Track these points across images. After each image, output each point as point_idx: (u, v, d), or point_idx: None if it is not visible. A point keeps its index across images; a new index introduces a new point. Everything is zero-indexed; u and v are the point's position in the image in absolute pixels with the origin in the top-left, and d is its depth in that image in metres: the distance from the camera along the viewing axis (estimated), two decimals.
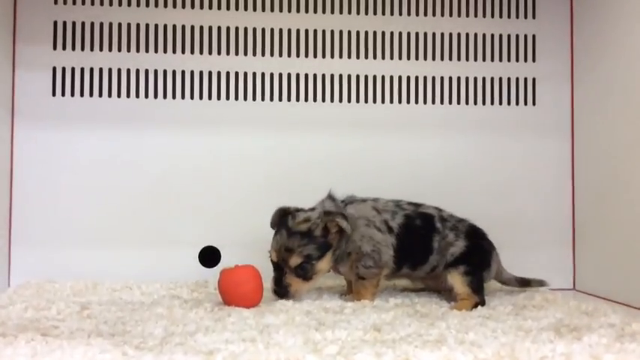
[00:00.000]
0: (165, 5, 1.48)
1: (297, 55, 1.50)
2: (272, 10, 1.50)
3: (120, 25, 1.47)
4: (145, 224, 1.46)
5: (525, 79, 1.54)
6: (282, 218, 1.22)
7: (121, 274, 1.39)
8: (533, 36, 1.55)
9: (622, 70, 1.32)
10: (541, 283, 1.36)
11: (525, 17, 1.55)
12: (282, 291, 1.17)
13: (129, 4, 1.47)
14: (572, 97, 1.53)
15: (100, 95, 1.46)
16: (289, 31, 1.50)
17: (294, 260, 1.16)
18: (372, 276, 1.21)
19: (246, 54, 1.49)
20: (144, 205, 1.46)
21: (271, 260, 1.20)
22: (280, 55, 1.50)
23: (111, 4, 1.47)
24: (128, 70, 1.47)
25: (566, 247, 1.52)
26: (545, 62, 1.54)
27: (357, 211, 1.24)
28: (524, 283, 1.36)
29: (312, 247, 1.17)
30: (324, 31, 1.51)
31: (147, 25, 1.47)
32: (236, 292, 1.11)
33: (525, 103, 1.54)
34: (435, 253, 1.25)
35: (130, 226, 1.45)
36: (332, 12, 1.51)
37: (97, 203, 1.45)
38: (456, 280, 1.22)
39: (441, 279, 1.26)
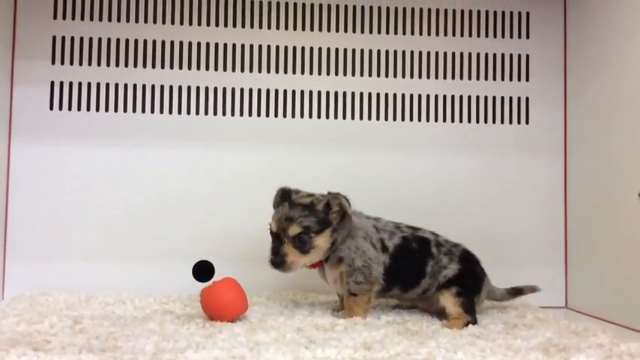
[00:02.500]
0: (164, 22, 1.50)
1: (294, 72, 1.52)
2: (260, 26, 1.52)
3: (118, 40, 1.48)
4: (139, 238, 1.46)
5: (519, 99, 1.56)
6: (285, 195, 1.24)
7: (115, 288, 1.40)
8: (527, 56, 1.56)
9: (614, 91, 1.33)
10: (533, 289, 1.36)
11: (519, 37, 1.57)
12: (278, 260, 1.17)
13: (127, 20, 1.49)
14: (565, 117, 1.55)
15: (98, 110, 1.47)
16: (286, 48, 1.52)
17: (293, 229, 1.17)
18: (363, 292, 1.21)
19: (242, 70, 1.51)
20: (139, 219, 1.47)
21: (270, 231, 1.21)
22: (277, 71, 1.52)
23: (110, 19, 1.49)
24: (125, 85, 1.48)
25: (558, 266, 1.53)
26: (538, 82, 1.56)
27: (359, 223, 1.26)
28: (517, 293, 1.36)
29: (312, 220, 1.18)
30: (320, 49, 1.52)
31: (145, 41, 1.49)
32: (216, 305, 1.12)
33: (519, 122, 1.56)
34: (427, 277, 1.25)
35: (124, 240, 1.46)
36: (328, 30, 1.53)
37: (92, 217, 1.46)
38: (448, 300, 1.22)
39: (432, 301, 1.26)
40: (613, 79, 1.34)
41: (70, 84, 1.47)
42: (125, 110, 1.48)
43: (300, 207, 1.19)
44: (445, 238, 1.32)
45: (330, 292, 1.37)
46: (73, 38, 1.48)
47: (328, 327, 1.09)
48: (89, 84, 1.47)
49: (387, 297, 1.32)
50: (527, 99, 1.56)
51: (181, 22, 1.50)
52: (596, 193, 1.41)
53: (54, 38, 1.47)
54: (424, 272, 1.25)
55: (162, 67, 1.49)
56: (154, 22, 1.49)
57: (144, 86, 1.48)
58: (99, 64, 1.48)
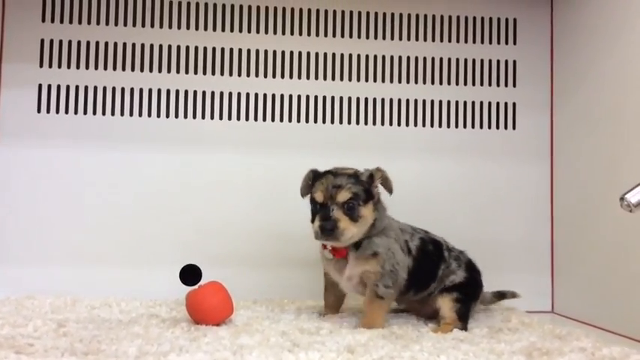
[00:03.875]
0: (152, 25, 1.50)
1: (282, 77, 1.52)
2: (240, 30, 1.52)
3: (107, 43, 1.48)
4: (126, 241, 1.46)
5: (505, 104, 1.57)
6: (316, 177, 1.19)
7: (102, 291, 1.39)
8: (514, 61, 1.58)
9: (601, 96, 1.34)
10: (513, 295, 1.39)
11: (506, 43, 1.58)
12: (329, 225, 1.11)
13: (116, 24, 1.49)
14: (551, 122, 1.56)
15: (85, 113, 1.47)
16: (274, 52, 1.52)
17: (343, 195, 1.13)
18: (389, 296, 1.17)
19: (231, 74, 1.51)
20: (126, 222, 1.47)
21: (315, 202, 1.16)
22: (265, 75, 1.52)
23: (98, 23, 1.49)
24: (114, 89, 1.48)
25: (544, 270, 1.54)
26: (525, 87, 1.57)
27: (390, 222, 1.22)
28: (501, 297, 1.39)
29: (359, 188, 1.14)
30: (300, 53, 1.53)
31: (133, 45, 1.49)
32: (202, 308, 1.12)
33: (505, 128, 1.57)
34: (436, 281, 1.24)
35: (111, 243, 1.46)
36: (309, 34, 1.54)
37: (80, 220, 1.46)
38: (446, 304, 1.21)
39: (428, 303, 1.25)
40: (599, 85, 1.35)
41: (58, 87, 1.47)
42: (113, 114, 1.48)
43: (346, 176, 1.15)
44: (451, 244, 1.32)
45: (318, 296, 1.37)
46: (61, 41, 1.48)
47: (313, 331, 1.09)
48: (77, 87, 1.47)
49: (397, 301, 1.30)
50: (514, 104, 1.57)
51: (170, 26, 1.50)
52: (582, 199, 1.42)
53: (42, 41, 1.47)
54: (436, 276, 1.24)
55: (151, 70, 1.49)
56: (143, 25, 1.50)
57: (132, 90, 1.48)
58: (87, 67, 1.48)
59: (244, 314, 1.23)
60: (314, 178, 1.20)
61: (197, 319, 1.13)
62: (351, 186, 1.14)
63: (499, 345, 1.03)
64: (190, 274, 1.46)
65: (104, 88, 1.48)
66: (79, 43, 1.48)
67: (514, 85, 1.57)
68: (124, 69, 1.48)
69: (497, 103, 1.57)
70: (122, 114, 1.48)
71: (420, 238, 1.26)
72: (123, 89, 1.48)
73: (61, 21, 1.48)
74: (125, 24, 1.49)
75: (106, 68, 1.48)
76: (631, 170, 1.22)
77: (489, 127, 1.56)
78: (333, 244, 1.16)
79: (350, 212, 1.13)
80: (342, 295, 1.28)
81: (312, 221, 1.17)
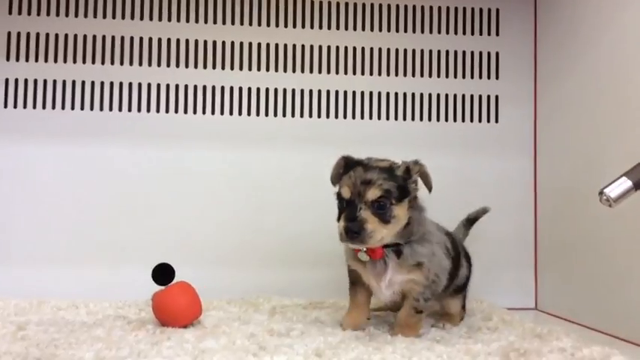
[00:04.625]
0: (123, 17, 1.45)
1: (259, 69, 1.48)
2: (224, 22, 1.48)
3: (76, 36, 1.44)
4: (96, 240, 1.42)
5: (488, 97, 1.53)
6: (349, 164, 1.04)
7: (71, 292, 1.34)
8: (497, 53, 1.53)
9: (584, 89, 1.31)
10: (485, 211, 1.35)
11: (489, 34, 1.54)
12: (355, 226, 0.96)
13: (85, 16, 1.44)
14: (535, 115, 1.52)
15: (54, 108, 1.43)
16: (259, 45, 1.48)
17: (373, 192, 0.98)
18: (428, 309, 1.08)
19: (205, 67, 1.47)
20: (96, 220, 1.42)
21: (342, 198, 1.01)
22: (241, 68, 1.48)
23: (67, 15, 1.44)
24: (83, 82, 1.43)
25: (528, 267, 1.51)
26: (508, 80, 1.53)
27: (429, 223, 1.09)
28: (472, 222, 1.36)
29: (392, 184, 0.99)
30: (286, 46, 1.49)
31: (103, 37, 1.44)
32: (169, 310, 1.08)
33: (488, 121, 1.53)
34: (455, 280, 1.15)
35: (82, 242, 1.42)
36: (294, 26, 1.49)
37: (47, 219, 1.41)
38: (457, 305, 1.18)
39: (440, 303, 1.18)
40: (583, 77, 1.31)
41: (26, 81, 1.42)
42: (82, 108, 1.43)
43: (378, 169, 1.00)
44: None
45: (296, 294, 1.33)
46: (28, 34, 1.43)
47: (283, 332, 1.05)
48: (45, 81, 1.43)
49: None
50: (496, 97, 1.53)
51: (141, 18, 1.46)
52: (566, 193, 1.38)
53: (9, 34, 1.42)
54: (458, 273, 1.16)
55: (122, 63, 1.45)
56: (113, 17, 1.45)
57: (102, 83, 1.44)
58: (55, 60, 1.43)
59: (215, 315, 1.19)
60: (346, 166, 1.05)
61: (164, 321, 1.09)
62: (382, 182, 0.99)
63: (475, 346, 1.00)
64: (163, 273, 1.42)
65: (73, 82, 1.43)
66: (47, 36, 1.43)
67: (497, 78, 1.53)
68: (93, 62, 1.44)
69: (480, 96, 1.53)
70: (92, 109, 1.43)
71: (446, 234, 1.15)
72: (93, 83, 1.44)
73: (29, 13, 1.43)
74: (95, 16, 1.44)
75: (75, 62, 1.43)
76: (615, 164, 1.18)
77: (472, 120, 1.52)
78: (359, 247, 1.03)
79: (380, 212, 0.99)
80: (371, 293, 1.12)
81: (338, 220, 1.02)
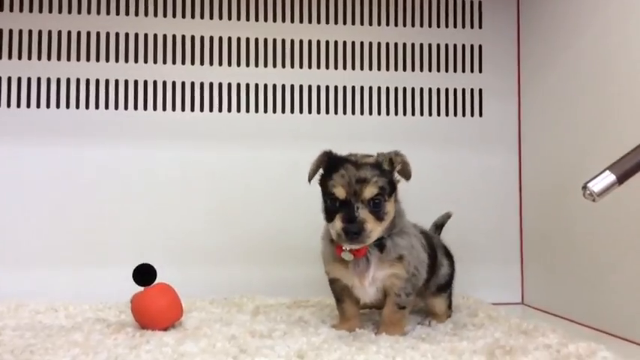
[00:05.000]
0: (108, 12, 1.42)
1: (247, 65, 1.46)
2: (202, 17, 1.45)
3: (50, 32, 1.40)
4: (75, 241, 1.39)
5: (472, 90, 1.51)
6: (332, 160, 1.01)
7: (50, 295, 1.32)
8: (480, 46, 1.52)
9: (568, 82, 1.30)
10: (448, 216, 1.33)
11: (472, 27, 1.52)
12: (355, 228, 0.94)
13: (69, 12, 1.41)
14: (519, 109, 1.51)
15: (29, 106, 1.39)
16: (238, 39, 1.45)
17: (370, 190, 0.96)
18: (410, 304, 1.06)
19: (193, 63, 1.44)
20: (75, 221, 1.39)
21: (335, 198, 0.98)
22: (220, 64, 1.45)
23: (50, 10, 1.41)
24: (68, 80, 1.40)
25: (514, 261, 1.50)
26: (491, 73, 1.52)
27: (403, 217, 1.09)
28: (440, 227, 1.33)
29: (385, 180, 0.98)
30: (266, 40, 1.46)
31: (79, 33, 1.41)
32: (149, 312, 1.05)
33: (472, 115, 1.51)
34: (434, 276, 1.14)
35: (59, 244, 1.39)
36: (274, 20, 1.47)
37: (26, 219, 1.38)
38: (441, 303, 1.17)
39: (423, 301, 1.18)
40: (567, 71, 1.30)
41: (10, 79, 1.39)
42: (58, 106, 1.40)
43: (369, 166, 0.98)
44: None
45: (281, 293, 1.31)
46: (11, 31, 1.39)
47: (266, 333, 1.03)
48: (19, 79, 1.39)
49: None
50: (480, 91, 1.51)
51: (127, 13, 1.43)
52: (551, 187, 1.37)
53: None
54: (435, 270, 1.14)
55: (98, 59, 1.41)
56: (98, 12, 1.42)
57: (78, 80, 1.41)
58: (29, 57, 1.40)
59: (197, 316, 1.17)
60: (328, 162, 1.02)
61: (143, 323, 1.06)
62: (377, 179, 0.97)
63: (461, 343, 0.98)
64: (144, 274, 1.40)
65: (48, 80, 1.40)
66: (20, 32, 1.40)
67: (480, 71, 1.52)
68: (68, 59, 1.41)
69: (463, 90, 1.51)
70: (67, 107, 1.40)
71: (420, 231, 1.13)
72: (78, 80, 1.41)
73: (11, 9, 1.40)
74: (79, 11, 1.41)
75: (49, 58, 1.40)
76: (599, 158, 1.17)
77: (455, 114, 1.51)
78: (357, 247, 1.00)
79: (376, 210, 0.97)
80: (359, 303, 1.10)
81: (329, 220, 1.00)
